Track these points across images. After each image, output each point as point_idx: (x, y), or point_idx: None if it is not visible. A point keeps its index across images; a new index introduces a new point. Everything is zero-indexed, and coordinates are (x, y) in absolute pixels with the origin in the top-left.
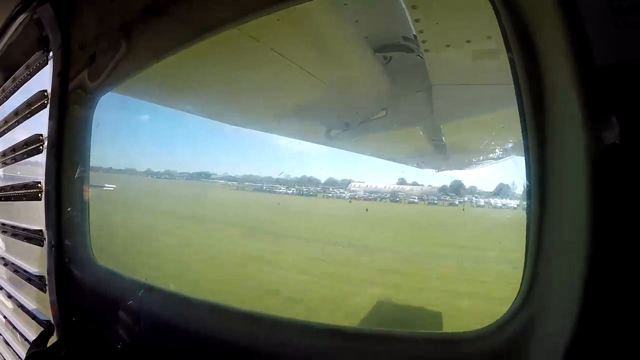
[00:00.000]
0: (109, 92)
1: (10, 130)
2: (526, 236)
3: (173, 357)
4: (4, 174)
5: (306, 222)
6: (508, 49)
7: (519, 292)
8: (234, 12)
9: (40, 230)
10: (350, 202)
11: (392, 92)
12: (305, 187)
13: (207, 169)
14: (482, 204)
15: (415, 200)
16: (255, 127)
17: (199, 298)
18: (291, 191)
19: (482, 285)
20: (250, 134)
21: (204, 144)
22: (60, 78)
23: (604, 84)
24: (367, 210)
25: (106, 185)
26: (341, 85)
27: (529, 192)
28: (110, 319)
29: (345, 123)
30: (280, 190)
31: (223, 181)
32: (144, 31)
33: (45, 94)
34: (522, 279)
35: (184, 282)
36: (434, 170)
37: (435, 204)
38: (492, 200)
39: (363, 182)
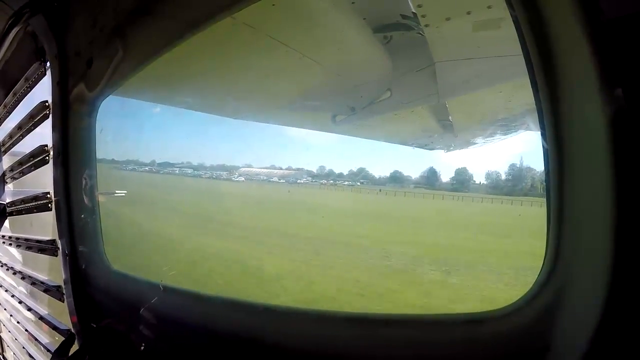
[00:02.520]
0: (110, 96)
1: (15, 145)
2: (547, 206)
3: (195, 355)
4: (14, 189)
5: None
6: (511, 7)
7: (542, 267)
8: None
9: (53, 240)
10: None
11: (395, 72)
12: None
13: None
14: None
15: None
16: (255, 117)
17: (217, 295)
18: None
19: None
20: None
21: None
22: (60, 87)
23: (614, 37)
24: None
25: (117, 191)
26: (341, 68)
27: (546, 158)
28: (130, 322)
29: (350, 107)
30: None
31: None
32: (138, 30)
33: (47, 104)
34: (545, 253)
35: None
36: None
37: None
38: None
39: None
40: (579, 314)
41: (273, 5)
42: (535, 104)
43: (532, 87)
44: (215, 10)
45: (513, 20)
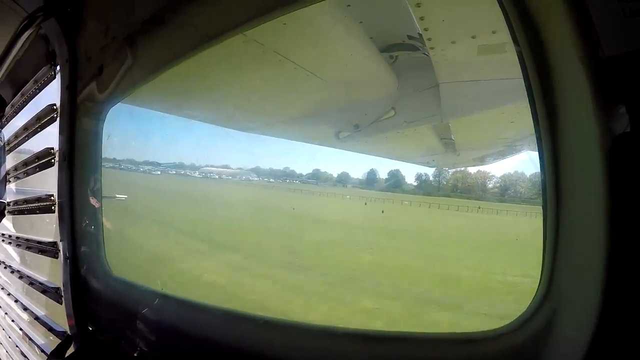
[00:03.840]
0: (119, 103)
1: (20, 145)
2: (543, 231)
3: None
4: (17, 188)
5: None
6: (515, 42)
7: (538, 288)
8: (239, 18)
9: (55, 243)
10: None
11: (400, 92)
12: None
13: None
14: None
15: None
16: (263, 131)
17: (214, 306)
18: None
19: None
20: None
21: None
22: (69, 91)
23: (614, 74)
24: None
25: (117, 195)
26: (347, 86)
27: (544, 185)
28: (127, 328)
29: (354, 125)
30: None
31: None
32: (150, 41)
33: (55, 107)
34: (541, 275)
35: None
36: None
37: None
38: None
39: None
40: (570, 338)
41: (284, 24)
42: (535, 132)
43: (532, 116)
44: (227, 27)
45: (517, 56)
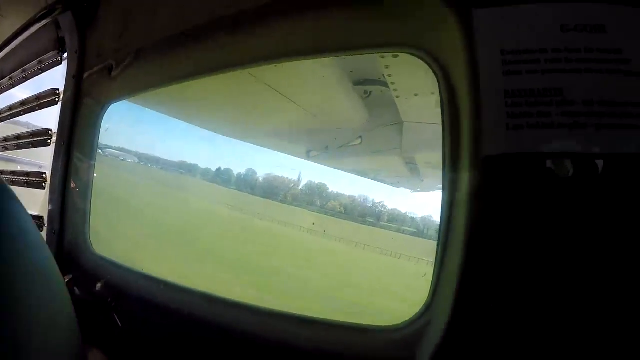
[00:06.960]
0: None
1: (13, 117)
2: (435, 257)
3: (173, 346)
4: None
5: None
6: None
7: (427, 298)
8: (246, 60)
9: (41, 217)
10: None
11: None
12: None
13: None
14: None
15: None
16: (248, 140)
17: (197, 289)
18: None
19: None
20: None
21: None
22: (75, 81)
23: (488, 171)
24: None
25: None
26: (322, 114)
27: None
28: (108, 307)
29: (325, 146)
30: None
31: None
32: (159, 58)
33: (57, 92)
34: (430, 287)
35: None
36: None
37: None
38: None
39: None
40: (430, 343)
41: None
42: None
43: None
44: (233, 65)
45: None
